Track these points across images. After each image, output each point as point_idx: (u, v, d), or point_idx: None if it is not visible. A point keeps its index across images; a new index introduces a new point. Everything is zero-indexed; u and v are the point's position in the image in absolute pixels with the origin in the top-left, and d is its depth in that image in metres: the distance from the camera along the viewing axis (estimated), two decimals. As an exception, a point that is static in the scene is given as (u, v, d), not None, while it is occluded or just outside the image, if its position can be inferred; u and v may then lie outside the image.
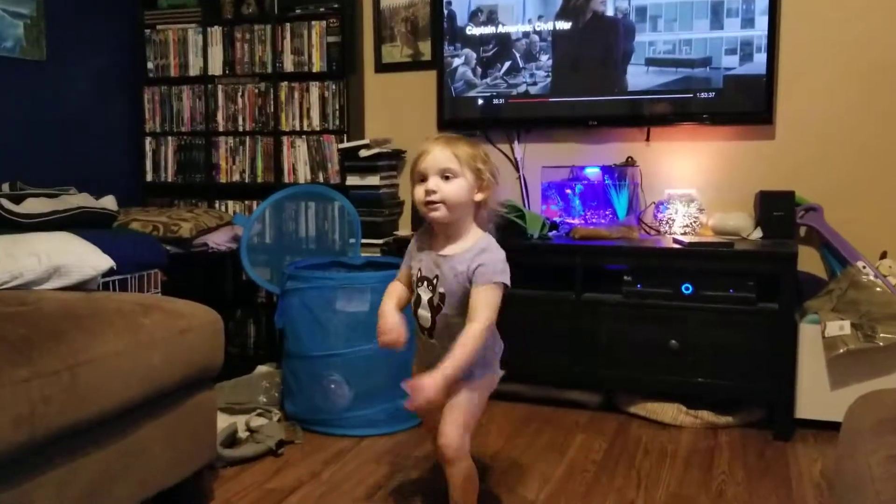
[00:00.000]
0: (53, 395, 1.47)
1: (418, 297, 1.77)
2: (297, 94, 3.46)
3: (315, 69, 3.42)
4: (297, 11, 3.43)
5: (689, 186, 3.05)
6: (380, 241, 3.27)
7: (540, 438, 2.56)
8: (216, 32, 3.57)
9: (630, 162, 3.11)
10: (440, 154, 1.65)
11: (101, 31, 3.51)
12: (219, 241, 3.15)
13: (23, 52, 3.09)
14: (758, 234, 2.87)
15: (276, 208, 3.22)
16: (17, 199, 2.54)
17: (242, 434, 2.46)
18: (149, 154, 3.72)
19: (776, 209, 2.83)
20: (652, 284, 2.71)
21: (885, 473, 1.13)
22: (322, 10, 3.40)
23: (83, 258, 2.15)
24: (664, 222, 3.01)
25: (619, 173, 3.06)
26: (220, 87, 3.58)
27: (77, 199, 2.69)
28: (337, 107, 3.41)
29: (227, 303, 3.42)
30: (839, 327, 2.51)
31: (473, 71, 3.27)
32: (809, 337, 2.57)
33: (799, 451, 2.47)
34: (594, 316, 2.76)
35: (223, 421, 2.41)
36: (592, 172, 3.11)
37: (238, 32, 3.53)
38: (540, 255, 2.86)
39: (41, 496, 1.48)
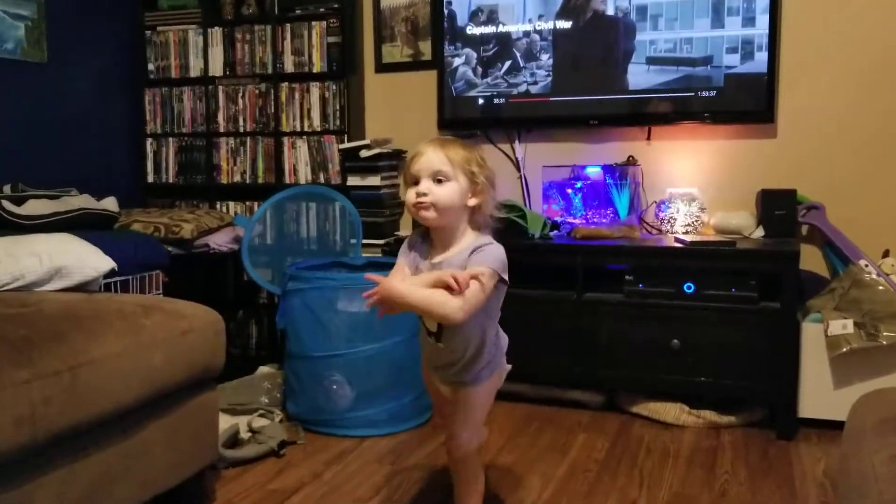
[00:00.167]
0: (54, 396, 1.47)
1: None
2: (297, 95, 3.46)
3: (315, 69, 3.42)
4: (298, 12, 3.43)
5: (690, 185, 3.05)
6: (381, 242, 3.26)
7: (541, 438, 2.56)
8: (216, 33, 3.57)
9: (631, 161, 3.11)
10: (433, 156, 1.63)
11: (102, 33, 3.51)
12: (220, 241, 3.15)
13: (24, 54, 3.09)
14: (760, 232, 2.86)
15: (277, 209, 3.22)
16: (19, 201, 2.54)
17: (244, 435, 2.46)
18: (150, 155, 3.72)
19: (778, 208, 2.82)
20: (653, 284, 2.70)
21: (889, 473, 1.12)
22: (322, 10, 3.40)
23: (84, 259, 2.15)
24: (665, 221, 3.00)
25: (621, 172, 3.06)
26: (220, 87, 3.58)
27: (78, 201, 2.69)
28: (337, 107, 3.41)
29: (229, 304, 3.41)
30: (842, 326, 2.51)
31: (474, 70, 3.26)
32: (812, 336, 2.57)
33: (802, 450, 2.46)
34: (596, 316, 2.76)
35: (225, 422, 2.40)
36: (593, 172, 3.11)
37: (238, 33, 3.53)
38: (541, 254, 2.86)
39: (42, 497, 1.48)
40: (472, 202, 1.65)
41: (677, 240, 2.80)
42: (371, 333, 2.55)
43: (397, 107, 3.51)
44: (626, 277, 2.74)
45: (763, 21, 2.86)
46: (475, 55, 3.25)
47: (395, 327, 2.52)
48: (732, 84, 2.92)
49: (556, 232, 2.98)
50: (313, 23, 3.40)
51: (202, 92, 3.61)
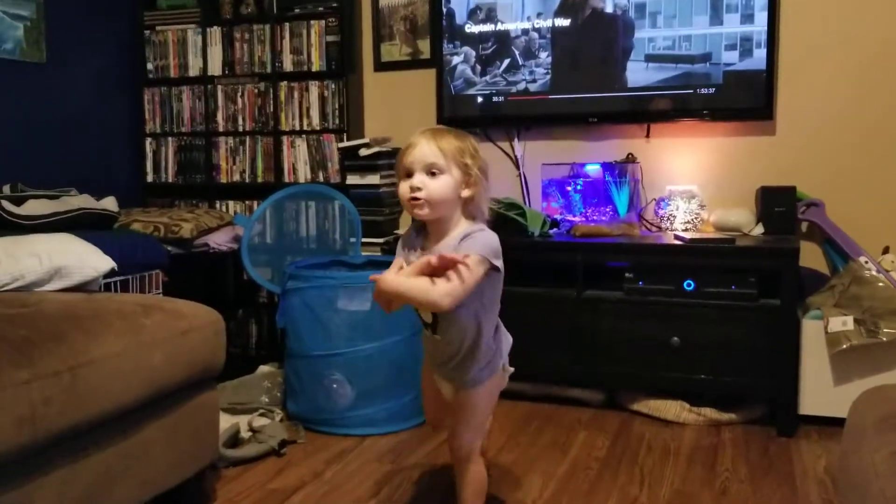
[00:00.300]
0: (54, 397, 1.47)
1: None
2: (296, 94, 3.46)
3: (314, 68, 3.42)
4: (296, 11, 3.43)
5: (689, 183, 3.05)
6: (380, 240, 3.26)
7: (542, 436, 2.56)
8: (215, 33, 3.56)
9: (630, 158, 3.11)
10: (426, 149, 1.61)
11: (101, 33, 3.51)
12: (220, 241, 3.15)
13: (23, 54, 3.09)
14: (759, 229, 2.86)
15: (276, 208, 3.22)
16: (18, 201, 2.54)
17: (245, 434, 2.46)
18: (149, 155, 3.72)
19: (777, 205, 2.82)
20: (653, 281, 2.70)
21: (890, 470, 1.12)
22: (321, 9, 3.39)
23: (84, 259, 2.15)
24: (665, 219, 3.00)
25: (620, 170, 3.06)
26: (219, 87, 3.58)
27: (78, 201, 2.69)
28: (336, 106, 3.40)
29: (229, 303, 3.41)
30: (842, 323, 2.51)
31: (473, 69, 3.26)
32: (812, 333, 2.57)
33: (802, 447, 2.46)
34: (595, 313, 2.76)
35: (225, 421, 2.40)
36: (593, 169, 3.11)
37: (237, 32, 3.53)
38: (541, 252, 2.86)
39: (42, 497, 1.48)
40: (466, 193, 1.63)
41: (677, 237, 2.80)
42: (371, 332, 2.55)
43: (396, 105, 3.50)
44: (626, 275, 2.74)
45: (762, 18, 2.86)
46: (474, 53, 3.25)
47: (395, 326, 2.52)
48: (731, 81, 2.92)
49: (555, 230, 2.98)
50: (312, 22, 3.40)
51: (201, 91, 3.61)
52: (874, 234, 2.84)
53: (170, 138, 3.68)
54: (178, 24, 3.62)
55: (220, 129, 3.60)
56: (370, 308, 2.53)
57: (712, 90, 2.95)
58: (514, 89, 3.21)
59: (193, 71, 3.61)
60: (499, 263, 1.62)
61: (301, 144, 3.46)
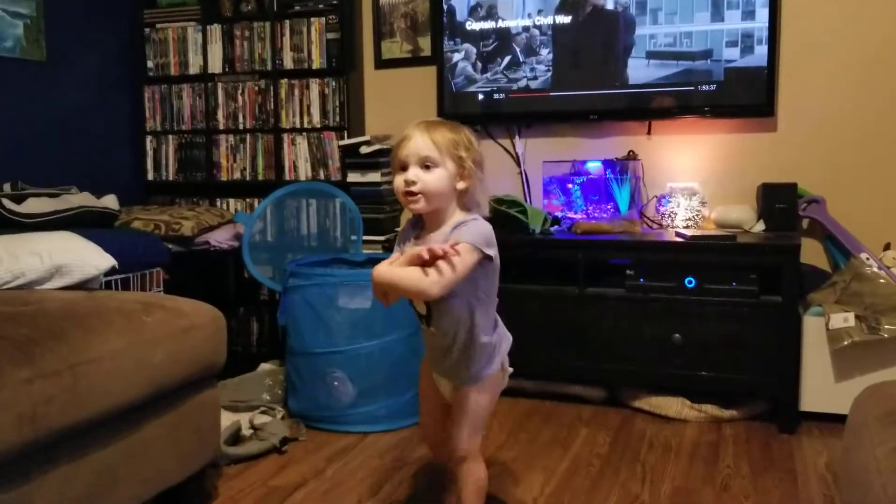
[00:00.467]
0: (55, 395, 1.47)
1: None
2: (297, 92, 3.46)
3: (315, 66, 3.42)
4: (297, 8, 3.43)
5: (690, 180, 3.05)
6: (381, 238, 3.26)
7: (543, 433, 2.56)
8: (216, 30, 3.56)
9: (631, 156, 3.11)
10: (420, 142, 1.61)
11: (101, 31, 3.51)
12: (220, 239, 3.15)
13: (22, 53, 3.09)
14: (760, 226, 2.86)
15: (277, 206, 3.22)
16: (19, 199, 2.54)
17: (246, 432, 2.46)
18: (150, 153, 3.72)
19: (779, 201, 2.82)
20: (654, 278, 2.70)
21: (891, 466, 1.12)
22: (321, 6, 3.39)
23: (85, 257, 2.15)
24: (666, 216, 3.00)
25: (621, 167, 3.06)
26: (220, 84, 3.58)
27: (78, 199, 2.69)
28: (337, 103, 3.40)
29: (230, 301, 3.42)
30: (843, 319, 2.51)
31: (473, 66, 3.26)
32: (813, 329, 2.57)
33: (804, 443, 2.46)
34: (597, 310, 2.76)
35: (227, 419, 2.41)
36: (594, 166, 3.11)
37: (237, 30, 3.52)
38: (542, 250, 2.86)
39: (43, 496, 1.48)
40: (461, 186, 1.63)
41: (678, 234, 2.80)
42: (372, 330, 2.55)
43: (397, 103, 3.50)
44: (628, 272, 2.73)
45: (763, 14, 2.86)
46: (475, 50, 3.25)
47: (395, 324, 2.52)
48: (732, 78, 2.92)
49: (556, 227, 2.97)
50: (312, 19, 3.40)
51: (201, 89, 3.61)
52: (875, 230, 2.84)
53: (170, 136, 3.68)
54: (178, 22, 3.61)
55: (221, 126, 3.59)
56: (371, 306, 2.53)
57: (713, 87, 2.94)
58: (515, 86, 3.20)
59: (194, 69, 3.61)
60: (491, 252, 1.61)
61: (302, 142, 3.46)
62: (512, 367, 1.78)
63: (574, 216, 3.08)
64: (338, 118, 3.40)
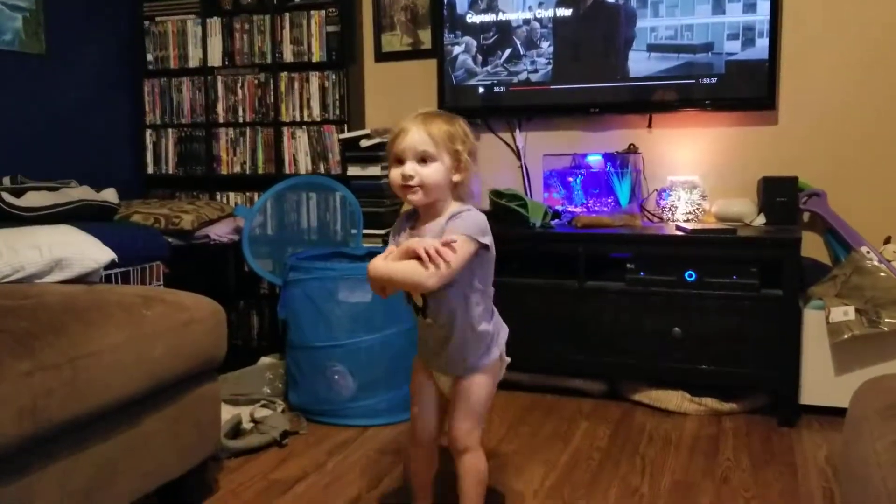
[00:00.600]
0: (55, 388, 1.47)
1: None
2: (297, 85, 3.45)
3: (315, 59, 3.41)
4: (296, 1, 3.42)
5: (691, 173, 3.04)
6: (382, 232, 3.26)
7: (543, 427, 2.56)
8: (215, 23, 3.55)
9: (632, 149, 3.10)
10: (417, 136, 1.60)
11: (100, 24, 3.50)
12: (220, 232, 3.15)
13: (22, 46, 3.08)
14: (761, 220, 2.86)
15: (277, 199, 3.22)
16: (18, 193, 2.54)
17: (247, 425, 2.47)
18: (149, 146, 3.71)
19: (779, 195, 2.82)
20: (655, 272, 2.70)
21: (891, 459, 1.12)
22: (321, -1, 3.39)
23: (85, 251, 2.15)
24: (667, 209, 3.00)
25: (622, 160, 3.05)
26: (219, 78, 3.57)
27: (78, 192, 2.69)
28: (337, 97, 3.39)
29: (230, 294, 3.41)
30: (843, 313, 2.51)
31: (474, 59, 3.25)
32: (814, 323, 2.56)
33: (804, 437, 2.47)
34: (597, 304, 2.76)
35: (227, 412, 2.41)
36: (594, 160, 3.10)
37: (237, 23, 3.51)
38: (542, 243, 2.86)
39: (44, 489, 1.48)
40: (457, 178, 1.64)
41: (679, 228, 2.79)
42: (372, 323, 2.55)
43: (397, 96, 3.49)
44: (628, 266, 2.73)
45: (764, 7, 2.85)
46: (475, 43, 3.24)
47: (395, 318, 2.52)
48: (733, 71, 2.91)
49: (557, 221, 2.97)
50: (312, 12, 3.39)
51: (201, 82, 3.60)
52: (876, 223, 2.83)
53: (170, 130, 3.67)
54: (177, 15, 3.60)
55: (221, 120, 3.59)
56: (371, 299, 2.52)
57: (714, 80, 2.93)
58: (515, 79, 3.20)
59: (193, 62, 3.60)
60: (487, 241, 1.61)
61: (302, 135, 3.46)
62: (510, 358, 1.78)
63: (574, 210, 3.07)
64: (338, 111, 3.40)
